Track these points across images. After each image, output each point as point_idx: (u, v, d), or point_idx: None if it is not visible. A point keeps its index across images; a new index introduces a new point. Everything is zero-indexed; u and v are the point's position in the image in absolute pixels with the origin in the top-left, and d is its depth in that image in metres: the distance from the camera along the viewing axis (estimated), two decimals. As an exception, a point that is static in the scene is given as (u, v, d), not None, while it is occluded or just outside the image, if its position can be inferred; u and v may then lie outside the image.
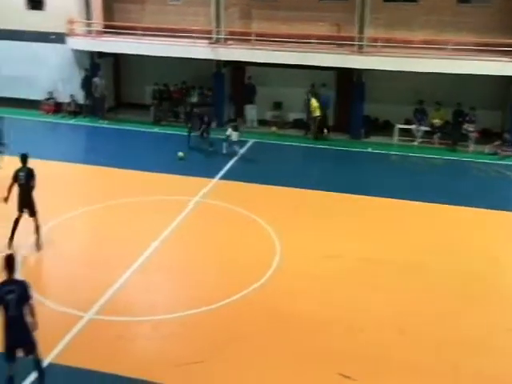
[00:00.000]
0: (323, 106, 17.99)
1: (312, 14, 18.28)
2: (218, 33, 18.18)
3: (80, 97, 19.77)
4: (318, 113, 17.85)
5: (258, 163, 15.91)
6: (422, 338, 8.14)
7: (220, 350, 7.80)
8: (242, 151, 16.27)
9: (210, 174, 14.45)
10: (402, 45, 17.15)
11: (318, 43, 17.38)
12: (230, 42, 18.34)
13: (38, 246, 10.47)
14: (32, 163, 10.35)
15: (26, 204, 10.25)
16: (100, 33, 19.53)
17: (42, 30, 19.62)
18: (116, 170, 14.75)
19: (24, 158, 10.28)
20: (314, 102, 17.86)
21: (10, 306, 6.34)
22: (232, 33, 18.37)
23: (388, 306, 8.96)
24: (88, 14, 19.41)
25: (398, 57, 16.84)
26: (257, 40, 17.99)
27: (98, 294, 8.93)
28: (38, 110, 19.87)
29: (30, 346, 6.54)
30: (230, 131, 16.17)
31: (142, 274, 9.73)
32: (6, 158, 13.70)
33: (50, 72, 19.99)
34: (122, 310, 8.61)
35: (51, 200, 12.64)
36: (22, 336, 6.47)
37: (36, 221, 10.38)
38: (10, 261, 6.51)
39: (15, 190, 10.24)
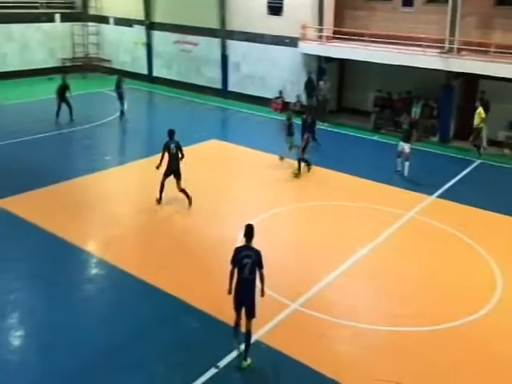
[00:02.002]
0: None
1: None
2: (451, 42, 17.18)
3: (304, 98, 20.66)
4: (480, 124, 16.33)
5: (482, 186, 14.61)
6: None
7: (417, 376, 7.38)
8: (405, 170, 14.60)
9: (428, 191, 13.73)
10: None
11: None
12: (463, 53, 17.17)
13: (190, 202, 12.13)
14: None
15: (175, 169, 11.91)
16: (329, 38, 20.08)
17: (278, 33, 21.14)
18: (332, 171, 15.00)
19: (171, 133, 11.94)
20: (481, 113, 16.21)
21: (244, 269, 7.14)
22: (467, 43, 17.14)
23: None
24: (320, 20, 20.15)
25: None
26: (496, 52, 16.46)
27: (304, 287, 9.27)
28: (269, 108, 21.40)
29: (251, 309, 7.24)
30: (401, 144, 14.63)
31: (348, 278, 9.76)
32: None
33: (280, 73, 21.43)
34: (324, 308, 8.75)
35: (269, 191, 13.59)
36: (248, 297, 7.22)
37: (179, 184, 12.01)
38: (249, 229, 7.29)
39: (165, 159, 11.90)
